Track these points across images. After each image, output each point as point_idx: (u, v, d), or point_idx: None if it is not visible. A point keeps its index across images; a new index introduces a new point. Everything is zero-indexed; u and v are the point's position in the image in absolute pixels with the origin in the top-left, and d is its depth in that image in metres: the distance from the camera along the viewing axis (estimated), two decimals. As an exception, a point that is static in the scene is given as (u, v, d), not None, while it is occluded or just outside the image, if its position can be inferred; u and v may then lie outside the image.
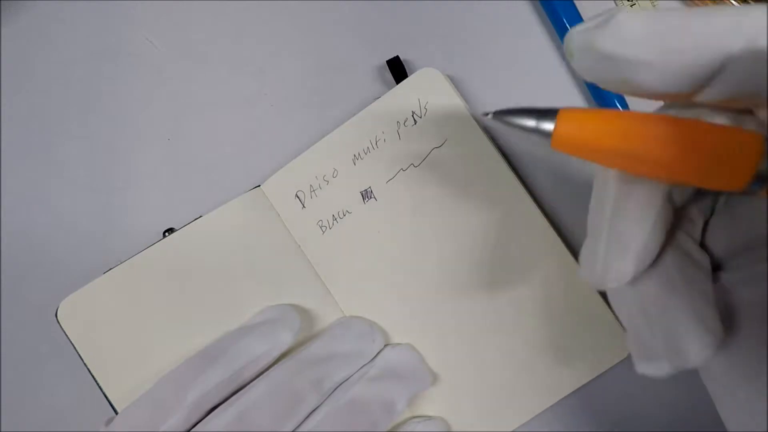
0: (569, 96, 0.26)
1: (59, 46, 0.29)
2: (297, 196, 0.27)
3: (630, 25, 0.15)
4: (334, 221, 0.27)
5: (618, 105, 0.25)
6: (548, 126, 0.16)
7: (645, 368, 0.18)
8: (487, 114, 0.18)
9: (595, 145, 0.16)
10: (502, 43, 0.27)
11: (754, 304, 0.17)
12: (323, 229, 0.27)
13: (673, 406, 0.25)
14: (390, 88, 0.26)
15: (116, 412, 0.26)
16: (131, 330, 0.26)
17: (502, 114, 0.17)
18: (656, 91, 0.15)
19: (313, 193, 0.27)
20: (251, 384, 0.23)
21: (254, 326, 0.25)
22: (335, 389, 0.24)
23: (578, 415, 0.26)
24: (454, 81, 0.27)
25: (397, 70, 0.26)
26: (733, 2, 0.25)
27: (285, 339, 0.24)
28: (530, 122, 0.17)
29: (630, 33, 0.15)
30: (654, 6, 0.26)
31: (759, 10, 0.14)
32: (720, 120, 0.16)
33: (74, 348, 0.26)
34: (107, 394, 0.26)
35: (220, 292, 0.26)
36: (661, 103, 0.18)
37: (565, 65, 0.27)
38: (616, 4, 0.26)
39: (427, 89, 0.26)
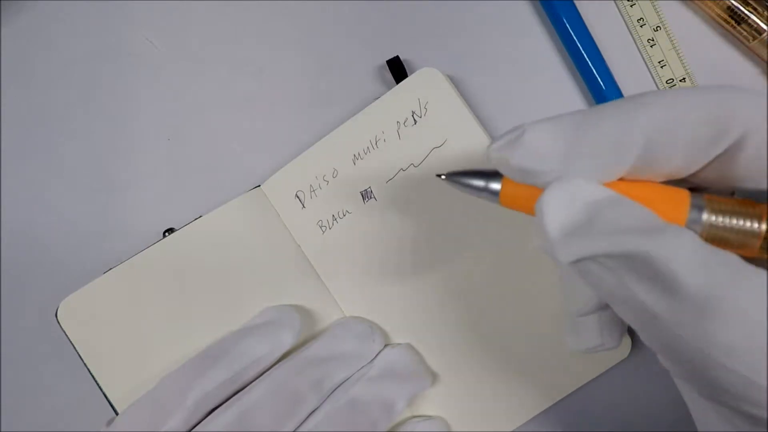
0: (569, 95, 0.26)
1: (59, 46, 0.29)
2: (297, 196, 0.27)
3: (536, 141, 0.16)
4: (334, 221, 0.27)
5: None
6: (496, 186, 0.18)
7: (573, 344, 0.22)
8: (440, 175, 0.19)
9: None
10: (502, 43, 0.27)
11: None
12: (323, 229, 0.27)
13: (673, 406, 0.25)
14: (390, 88, 0.26)
15: (116, 412, 0.26)
16: (131, 330, 0.26)
17: (454, 175, 0.19)
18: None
19: (313, 193, 0.27)
20: (252, 384, 0.23)
21: (255, 327, 0.25)
22: (335, 389, 0.24)
23: (578, 415, 0.26)
24: (454, 81, 0.27)
25: (397, 70, 0.26)
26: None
27: (286, 340, 0.24)
28: (479, 182, 0.18)
29: (537, 149, 0.16)
30: (654, 6, 0.26)
31: (653, 106, 0.16)
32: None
33: (74, 348, 0.26)
34: (107, 394, 0.26)
35: (220, 292, 0.26)
36: None
37: (564, 65, 0.27)
38: None
39: (427, 89, 0.26)
